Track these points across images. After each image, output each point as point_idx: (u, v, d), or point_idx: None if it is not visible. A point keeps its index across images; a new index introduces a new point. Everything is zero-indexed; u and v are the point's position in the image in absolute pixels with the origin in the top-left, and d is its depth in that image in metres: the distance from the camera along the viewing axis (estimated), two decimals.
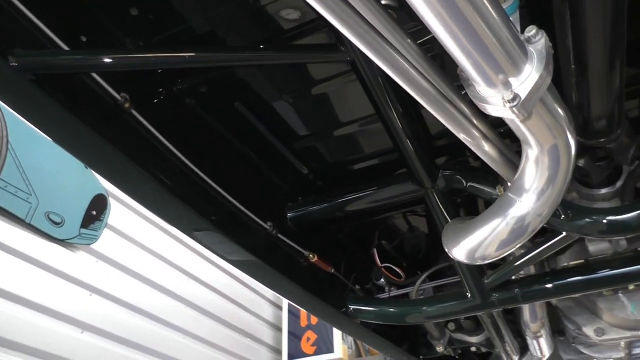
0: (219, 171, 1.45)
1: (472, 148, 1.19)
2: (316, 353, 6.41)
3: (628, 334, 1.84)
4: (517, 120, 0.93)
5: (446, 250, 1.39)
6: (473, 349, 2.45)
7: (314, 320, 6.64)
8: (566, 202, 1.36)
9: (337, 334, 6.43)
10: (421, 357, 2.27)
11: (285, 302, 6.94)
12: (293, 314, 6.84)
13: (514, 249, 1.24)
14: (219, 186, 1.43)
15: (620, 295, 1.79)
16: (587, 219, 1.32)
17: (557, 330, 2.29)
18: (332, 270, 1.83)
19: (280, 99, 1.47)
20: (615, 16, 0.97)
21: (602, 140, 1.24)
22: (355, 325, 1.88)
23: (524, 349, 2.26)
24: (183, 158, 1.33)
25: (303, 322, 6.67)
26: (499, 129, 1.22)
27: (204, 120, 1.49)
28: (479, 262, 1.31)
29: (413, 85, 1.01)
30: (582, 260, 1.69)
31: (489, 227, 1.22)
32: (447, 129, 1.59)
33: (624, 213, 1.29)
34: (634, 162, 1.32)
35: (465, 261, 1.33)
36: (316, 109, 1.52)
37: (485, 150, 1.19)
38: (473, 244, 1.27)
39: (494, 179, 1.43)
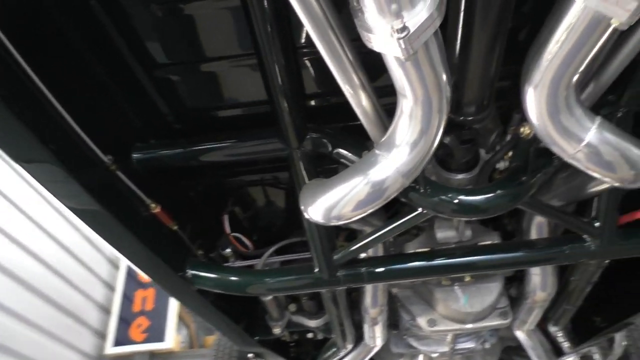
0: (59, 84, 1.21)
1: (349, 98, 1.13)
2: (146, 341, 6.01)
3: (456, 326, 1.92)
4: (401, 58, 0.87)
5: (302, 209, 1.31)
6: (310, 335, 2.41)
7: (149, 306, 6.24)
8: (427, 178, 1.36)
9: (171, 323, 6.10)
10: (257, 338, 2.16)
11: (120, 284, 6.44)
12: (127, 298, 6.37)
13: (369, 211, 1.19)
14: (57, 101, 1.19)
15: (456, 287, 1.86)
16: (443, 197, 1.33)
17: (392, 323, 2.34)
18: (176, 228, 1.65)
19: (147, 9, 1.26)
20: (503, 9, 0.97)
21: (470, 119, 1.26)
22: (190, 292, 1.71)
23: (359, 338, 2.27)
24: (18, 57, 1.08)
25: (137, 307, 6.24)
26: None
27: (50, 16, 1.23)
28: (334, 223, 1.25)
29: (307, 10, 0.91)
30: (429, 249, 1.73)
31: (349, 185, 1.17)
32: (322, 91, 1.54)
33: (477, 195, 1.32)
34: (493, 149, 1.35)
35: (321, 220, 1.26)
36: (187, 33, 1.34)
37: (362, 103, 1.14)
38: (331, 201, 1.20)
39: (361, 147, 1.39)
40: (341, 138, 1.45)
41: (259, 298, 2.05)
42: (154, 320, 6.10)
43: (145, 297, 6.32)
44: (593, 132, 1.07)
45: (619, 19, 0.84)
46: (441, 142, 1.33)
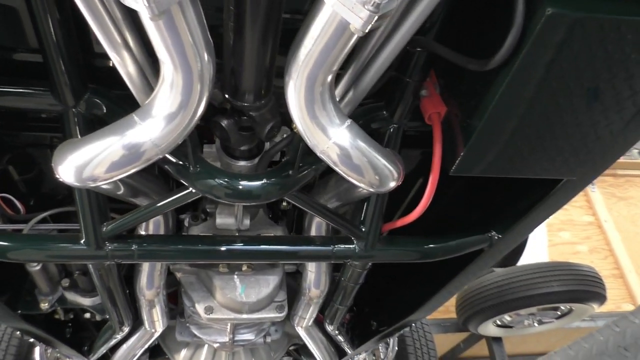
0: None
1: (112, 56, 1.08)
2: None
3: (232, 315, 1.94)
4: (147, 15, 0.85)
5: (54, 170, 1.22)
6: (87, 315, 2.27)
7: None
8: (200, 157, 1.35)
9: None
10: (20, 312, 1.97)
11: None
12: None
13: (124, 174, 1.15)
14: None
15: (235, 276, 1.88)
16: (211, 178, 1.34)
17: (180, 311, 2.30)
18: None
19: None
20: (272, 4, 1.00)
21: (247, 105, 1.28)
22: None
23: (138, 322, 2.18)
24: None
25: None
26: None
27: None
28: (90, 184, 1.18)
29: None
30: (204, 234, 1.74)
31: (103, 144, 1.11)
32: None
33: (244, 180, 1.35)
34: (270, 139, 1.40)
35: (73, 181, 1.18)
36: None
37: (125, 63, 1.10)
38: (82, 160, 1.13)
39: None
40: (122, 104, 1.38)
41: (27, 270, 1.88)
42: None
43: None
44: (342, 131, 1.15)
45: (354, 24, 0.91)
46: (219, 125, 1.35)
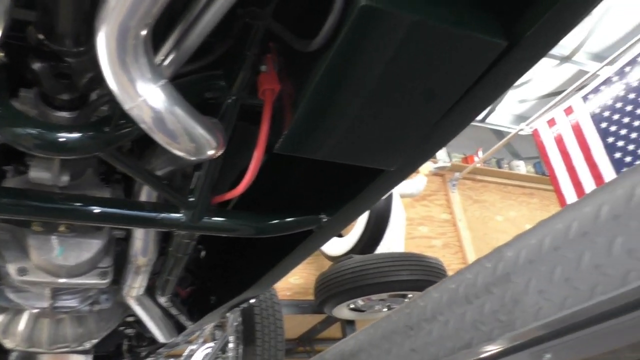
0: None
1: None
2: None
3: (49, 278, 1.82)
4: None
5: None
6: None
7: None
8: (4, 100, 1.24)
9: None
10: None
11: None
12: None
13: None
14: None
15: (53, 237, 1.76)
16: (23, 126, 1.23)
17: None
18: None
19: None
20: None
21: (64, 49, 1.20)
22: None
23: None
24: None
25: None
26: None
27: None
28: None
29: None
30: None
31: None
32: None
33: (62, 131, 1.25)
34: (89, 91, 1.32)
35: None
36: None
37: None
38: None
39: None
40: None
41: None
42: None
43: None
44: (154, 89, 1.10)
45: None
46: (30, 67, 1.25)
